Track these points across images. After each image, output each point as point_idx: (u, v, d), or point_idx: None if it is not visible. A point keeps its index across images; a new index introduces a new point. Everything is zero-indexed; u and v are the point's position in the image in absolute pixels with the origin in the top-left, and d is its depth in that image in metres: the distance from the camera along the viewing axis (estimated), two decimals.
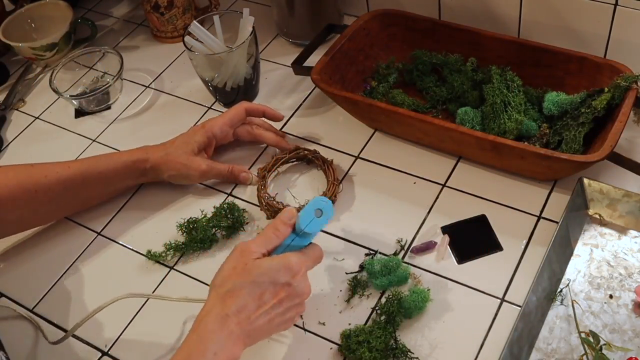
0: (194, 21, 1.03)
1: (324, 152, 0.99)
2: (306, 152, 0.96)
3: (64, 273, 0.90)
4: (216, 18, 1.04)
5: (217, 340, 0.66)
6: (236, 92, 1.06)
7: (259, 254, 0.70)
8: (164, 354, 0.80)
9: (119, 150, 1.05)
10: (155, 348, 0.80)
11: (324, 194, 0.90)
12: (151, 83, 1.18)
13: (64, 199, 0.91)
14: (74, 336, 0.82)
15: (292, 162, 0.98)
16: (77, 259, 0.92)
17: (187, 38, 1.03)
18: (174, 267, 0.88)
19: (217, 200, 0.95)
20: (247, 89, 1.08)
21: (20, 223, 0.91)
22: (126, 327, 0.83)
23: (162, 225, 0.94)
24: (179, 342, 0.80)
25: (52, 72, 1.13)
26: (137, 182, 0.96)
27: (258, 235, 0.72)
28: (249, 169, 0.98)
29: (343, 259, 0.85)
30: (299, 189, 0.95)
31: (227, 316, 0.67)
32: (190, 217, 0.91)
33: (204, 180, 0.96)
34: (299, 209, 0.81)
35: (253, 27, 1.02)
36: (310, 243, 0.74)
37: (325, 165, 0.94)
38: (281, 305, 0.70)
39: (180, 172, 0.93)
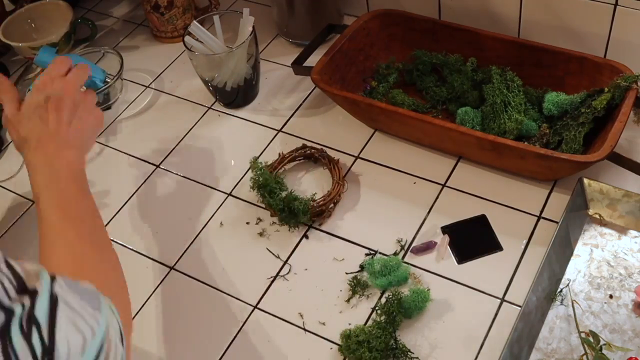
0: (194, 21, 1.03)
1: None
2: (313, 150, 0.96)
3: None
4: (216, 18, 1.05)
5: (40, 166, 0.72)
6: (236, 92, 1.06)
7: (14, 111, 0.77)
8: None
9: (122, 152, 1.05)
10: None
11: (329, 193, 0.91)
12: (151, 83, 1.18)
13: None
14: None
15: (299, 160, 0.98)
16: None
17: (187, 38, 1.03)
18: (174, 267, 0.89)
19: (218, 199, 0.95)
20: (247, 89, 1.08)
21: None
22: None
23: (162, 225, 0.94)
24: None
25: None
26: None
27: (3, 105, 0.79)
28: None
29: (343, 259, 0.85)
30: (305, 187, 0.95)
31: (38, 149, 0.73)
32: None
33: None
34: None
35: (253, 27, 1.02)
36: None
37: (331, 164, 0.94)
38: (61, 112, 0.75)
39: None
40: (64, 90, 0.78)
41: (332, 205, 0.90)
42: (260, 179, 0.90)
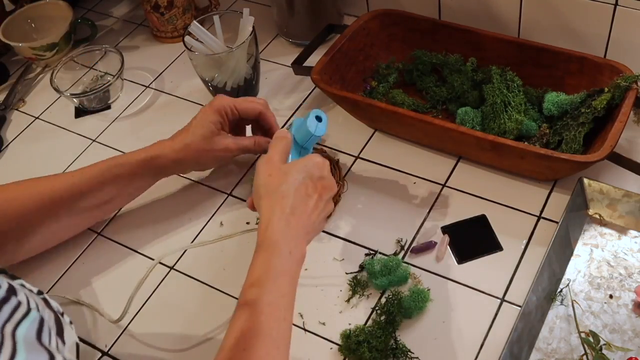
0: (194, 21, 1.03)
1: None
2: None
3: (64, 273, 0.90)
4: (216, 18, 1.04)
5: (289, 239, 0.69)
6: (236, 92, 1.06)
7: (283, 160, 0.75)
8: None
9: (122, 152, 1.05)
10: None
11: None
12: (151, 83, 1.18)
13: (82, 206, 0.87)
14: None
15: None
16: (77, 259, 0.92)
17: (187, 38, 1.03)
18: (174, 268, 0.88)
19: (218, 199, 0.95)
20: (247, 89, 1.08)
21: (45, 237, 0.88)
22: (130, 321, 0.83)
23: (162, 225, 0.94)
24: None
25: (53, 72, 1.13)
26: (156, 179, 0.92)
27: (270, 146, 0.77)
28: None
29: (343, 259, 0.85)
30: None
31: (290, 215, 0.70)
32: None
33: (230, 159, 0.95)
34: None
35: (253, 27, 1.02)
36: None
37: (331, 164, 0.94)
38: (322, 199, 0.74)
39: (206, 158, 0.90)
40: (333, 186, 0.76)
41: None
42: None
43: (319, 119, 0.82)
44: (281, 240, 0.69)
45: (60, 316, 0.64)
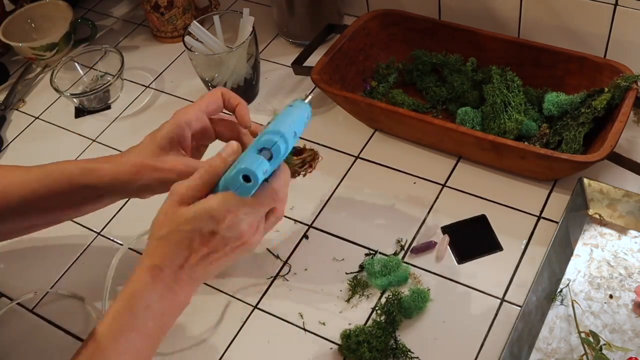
0: (194, 21, 1.03)
1: (324, 152, 0.99)
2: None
3: (64, 273, 0.90)
4: (216, 18, 1.05)
5: (149, 292, 0.63)
6: (235, 91, 1.06)
7: (188, 199, 0.63)
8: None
9: (118, 150, 1.05)
10: None
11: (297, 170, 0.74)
12: (151, 83, 1.18)
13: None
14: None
15: None
16: (77, 258, 0.92)
17: (187, 38, 1.03)
18: None
19: None
20: (247, 89, 1.08)
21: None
22: None
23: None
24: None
25: (53, 72, 1.13)
26: (92, 205, 0.78)
27: (190, 178, 0.64)
28: None
29: (343, 259, 0.85)
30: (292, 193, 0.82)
31: (158, 267, 0.63)
32: None
33: None
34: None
35: (253, 27, 1.02)
36: (266, 181, 0.63)
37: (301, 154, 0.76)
38: (217, 251, 0.64)
39: (149, 178, 0.73)
40: (240, 237, 0.64)
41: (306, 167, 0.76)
42: None
43: (246, 178, 0.60)
44: (138, 294, 0.62)
45: None
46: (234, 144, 0.65)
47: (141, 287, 0.63)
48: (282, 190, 0.65)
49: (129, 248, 0.85)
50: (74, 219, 0.95)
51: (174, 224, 0.63)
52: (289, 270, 0.85)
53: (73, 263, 0.91)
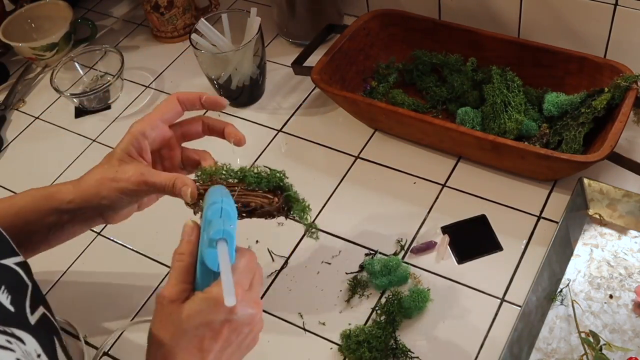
0: (202, 19, 1.02)
1: (324, 152, 0.99)
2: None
3: (64, 273, 0.90)
4: (224, 16, 1.05)
5: None
6: (240, 90, 1.06)
7: (178, 295, 0.59)
8: None
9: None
10: None
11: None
12: (151, 83, 1.18)
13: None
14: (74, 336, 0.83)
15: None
16: (77, 258, 0.92)
17: (193, 36, 1.03)
18: None
19: None
20: (252, 88, 1.08)
21: None
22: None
23: (162, 225, 0.94)
24: None
25: (53, 72, 1.13)
26: (59, 233, 0.74)
27: (169, 274, 0.61)
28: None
29: (343, 259, 0.85)
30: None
31: None
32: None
33: (144, 196, 0.74)
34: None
35: (260, 27, 1.02)
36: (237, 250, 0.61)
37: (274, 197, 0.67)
38: (230, 343, 0.60)
39: (111, 189, 0.70)
40: (252, 321, 0.60)
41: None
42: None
43: (211, 243, 0.58)
44: None
45: None
46: (188, 222, 0.63)
47: None
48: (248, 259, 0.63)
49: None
50: None
51: (176, 327, 0.58)
52: (289, 270, 0.85)
53: (73, 263, 0.91)
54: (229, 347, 0.60)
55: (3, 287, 0.55)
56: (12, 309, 0.55)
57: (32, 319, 0.57)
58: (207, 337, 0.58)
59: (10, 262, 0.59)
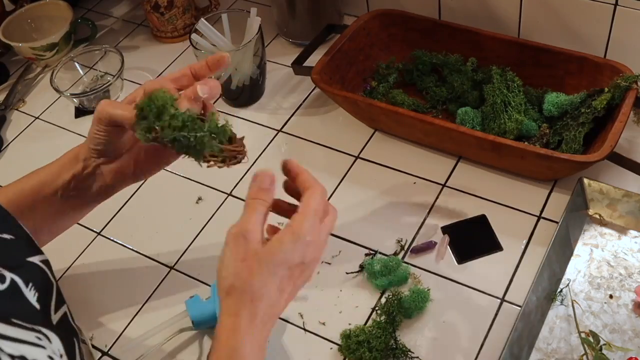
0: (202, 19, 1.02)
1: (324, 152, 0.99)
2: None
3: (64, 273, 0.90)
4: (224, 17, 1.05)
5: (254, 346, 0.58)
6: (240, 90, 1.06)
7: (260, 233, 0.60)
8: None
9: None
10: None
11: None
12: None
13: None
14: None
15: None
16: (77, 258, 0.92)
17: (193, 35, 1.03)
18: (174, 267, 0.88)
19: (218, 199, 0.95)
20: (252, 88, 1.08)
21: None
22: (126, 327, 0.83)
23: (162, 225, 0.94)
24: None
25: (53, 72, 1.13)
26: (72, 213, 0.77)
27: (246, 210, 0.62)
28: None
29: (343, 259, 0.85)
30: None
31: (259, 322, 0.59)
32: None
33: (115, 135, 0.70)
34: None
35: (260, 27, 1.02)
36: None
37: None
38: (296, 287, 0.62)
39: (85, 146, 0.71)
40: (317, 254, 0.62)
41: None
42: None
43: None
44: (243, 349, 0.58)
45: None
46: (265, 172, 0.63)
47: (244, 345, 0.58)
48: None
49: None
50: None
51: (261, 268, 0.59)
52: None
53: (73, 263, 0.91)
54: (294, 291, 0.62)
55: (31, 284, 0.56)
56: (37, 306, 0.56)
57: (55, 318, 0.58)
58: (285, 279, 0.60)
59: (36, 259, 0.60)
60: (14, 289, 0.54)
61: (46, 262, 0.62)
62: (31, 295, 0.56)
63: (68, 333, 0.59)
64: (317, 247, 0.62)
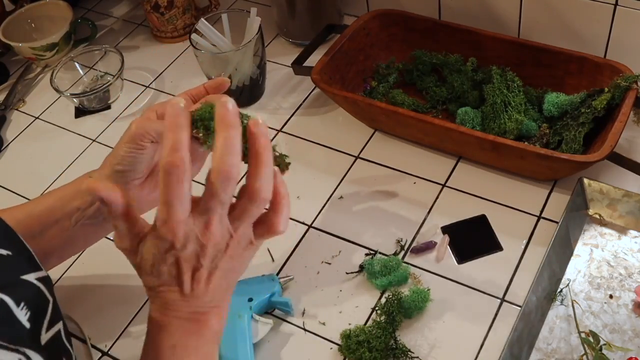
0: (202, 19, 1.02)
1: (324, 152, 0.99)
2: None
3: (64, 273, 0.90)
4: (224, 17, 1.05)
5: (168, 332, 0.59)
6: (240, 90, 1.06)
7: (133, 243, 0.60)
8: None
9: None
10: None
11: None
12: (151, 83, 1.18)
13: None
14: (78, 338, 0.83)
15: None
16: (77, 258, 0.92)
17: (193, 35, 1.03)
18: None
19: None
20: (252, 88, 1.08)
21: None
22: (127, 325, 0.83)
23: None
24: None
25: (53, 72, 1.13)
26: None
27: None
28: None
29: (343, 259, 0.85)
30: (292, 194, 0.94)
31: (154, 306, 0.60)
32: None
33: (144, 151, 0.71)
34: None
35: (260, 27, 1.02)
36: None
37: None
38: (207, 266, 0.57)
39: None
40: (204, 239, 0.57)
41: None
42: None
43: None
44: (158, 339, 0.61)
45: None
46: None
47: (157, 331, 0.59)
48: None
49: None
50: None
51: (144, 268, 0.61)
52: (289, 270, 0.85)
53: (73, 263, 0.91)
54: (205, 272, 0.58)
55: (22, 304, 0.55)
56: (27, 325, 0.54)
57: (45, 338, 0.57)
58: (172, 266, 0.59)
59: (31, 277, 0.59)
60: (2, 309, 0.53)
61: (43, 279, 0.60)
62: (22, 314, 0.54)
63: (58, 353, 0.58)
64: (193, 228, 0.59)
